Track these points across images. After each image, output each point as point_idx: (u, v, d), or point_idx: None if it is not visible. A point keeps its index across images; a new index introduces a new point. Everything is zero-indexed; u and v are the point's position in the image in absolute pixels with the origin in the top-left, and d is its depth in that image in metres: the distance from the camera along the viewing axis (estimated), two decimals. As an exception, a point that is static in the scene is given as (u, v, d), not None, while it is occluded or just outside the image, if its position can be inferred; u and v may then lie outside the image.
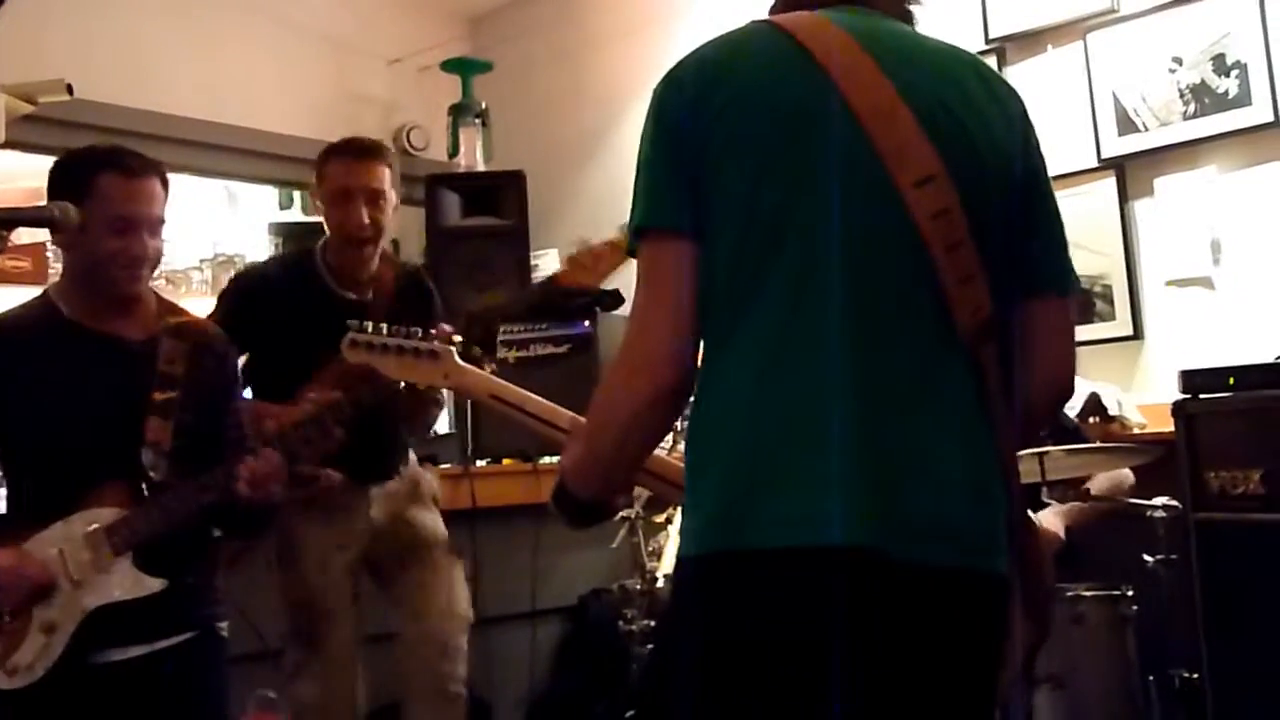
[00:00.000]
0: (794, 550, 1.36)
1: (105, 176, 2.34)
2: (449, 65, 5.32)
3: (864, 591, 1.36)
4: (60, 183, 2.37)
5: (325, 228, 3.08)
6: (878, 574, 1.37)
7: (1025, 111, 1.61)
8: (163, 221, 2.43)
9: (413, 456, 3.32)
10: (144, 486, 2.34)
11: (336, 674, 3.01)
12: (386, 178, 3.05)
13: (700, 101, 1.48)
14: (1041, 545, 1.55)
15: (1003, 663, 1.51)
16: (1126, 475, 3.34)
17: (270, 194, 5.80)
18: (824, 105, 1.44)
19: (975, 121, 1.51)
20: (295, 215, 5.86)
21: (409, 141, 5.51)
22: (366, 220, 2.98)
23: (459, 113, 5.28)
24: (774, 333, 1.42)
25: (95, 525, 2.30)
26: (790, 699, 1.37)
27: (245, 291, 3.12)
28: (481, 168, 5.21)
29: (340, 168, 3.03)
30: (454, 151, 5.27)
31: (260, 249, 5.34)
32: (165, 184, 2.44)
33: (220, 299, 3.18)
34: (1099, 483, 3.36)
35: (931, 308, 1.45)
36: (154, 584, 2.31)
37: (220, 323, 2.79)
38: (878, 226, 1.44)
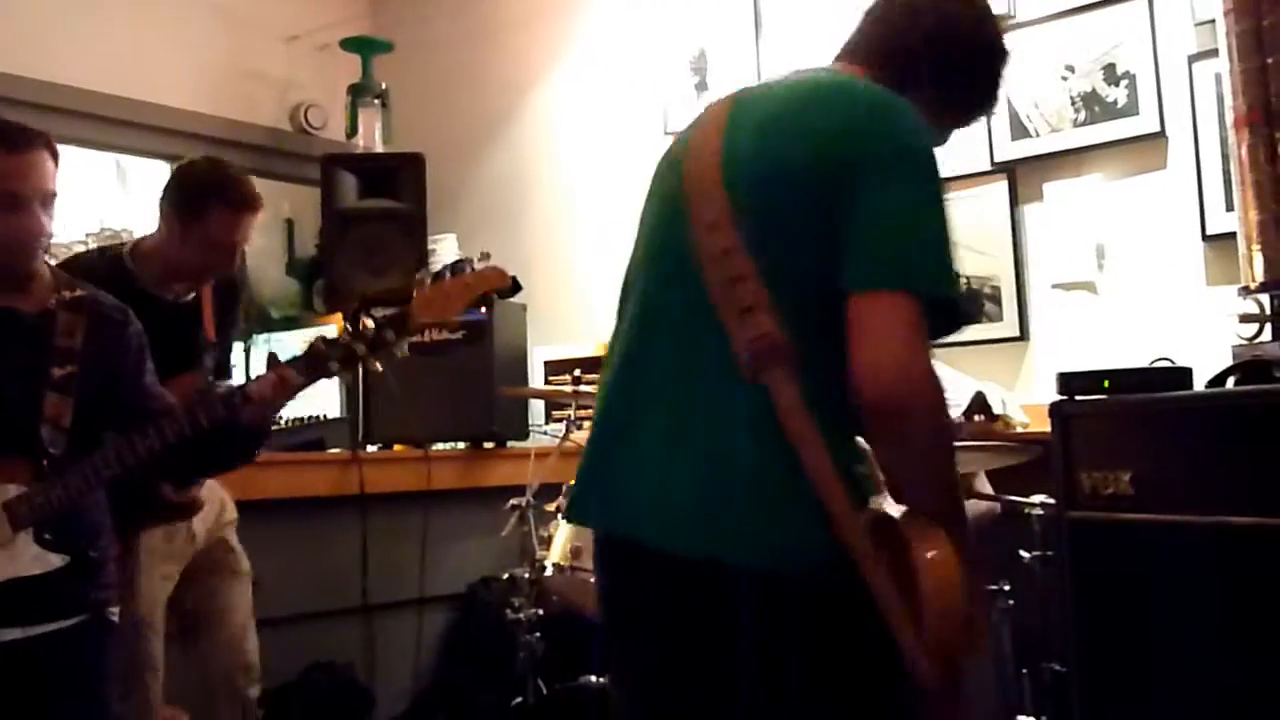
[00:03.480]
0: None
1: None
2: (348, 44, 5.24)
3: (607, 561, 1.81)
4: None
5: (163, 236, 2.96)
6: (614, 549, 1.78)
7: (863, 114, 1.67)
8: (54, 195, 2.36)
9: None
10: (44, 462, 2.28)
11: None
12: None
13: None
14: (929, 560, 1.50)
15: (764, 654, 1.62)
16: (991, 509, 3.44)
17: (162, 169, 5.65)
18: (675, 180, 1.76)
19: (777, 161, 1.65)
20: (187, 191, 5.72)
21: (306, 120, 5.43)
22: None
23: (358, 93, 5.21)
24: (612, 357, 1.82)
25: None
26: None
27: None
28: (380, 149, 5.15)
29: (229, 219, 2.90)
30: (352, 132, 5.21)
31: (150, 225, 5.19)
32: (54, 156, 2.36)
33: None
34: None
35: (707, 338, 1.63)
36: (55, 560, 2.26)
37: None
38: (669, 266, 1.73)
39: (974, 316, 1.63)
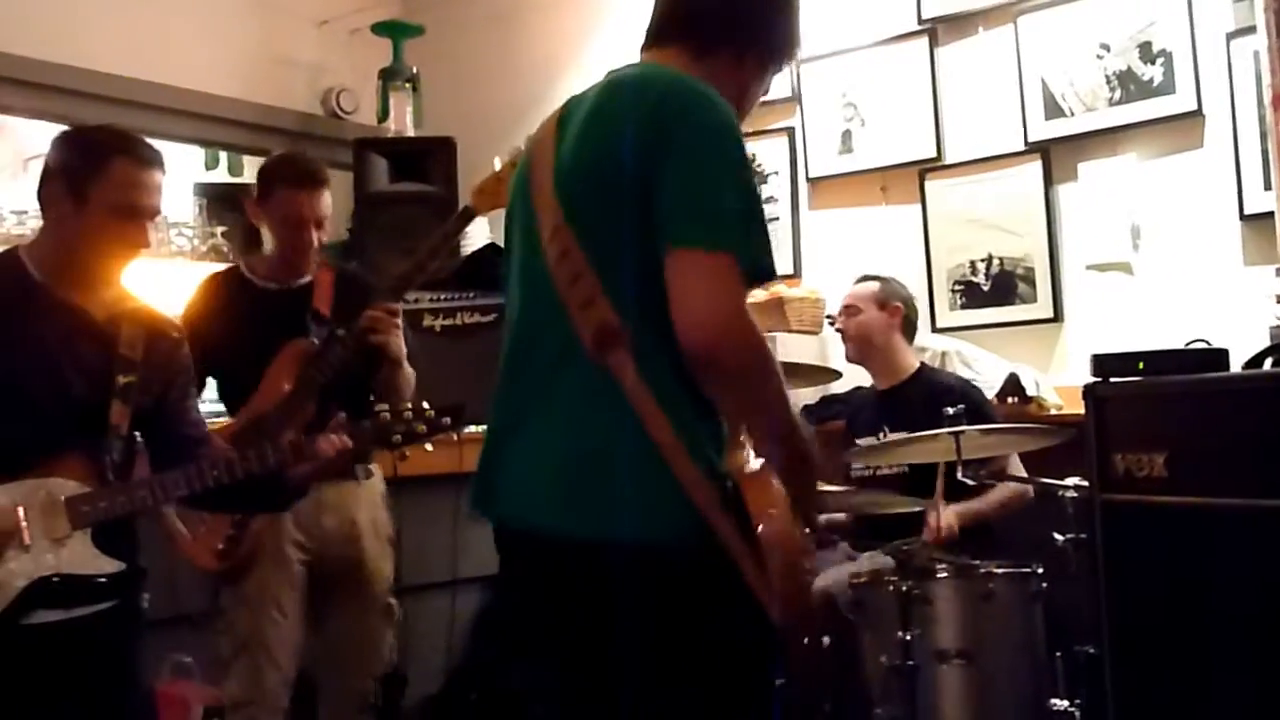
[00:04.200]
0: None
1: (122, 161, 2.35)
2: (380, 28, 5.24)
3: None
4: (71, 157, 2.38)
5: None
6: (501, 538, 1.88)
7: (670, 114, 1.73)
8: (159, 214, 2.46)
9: (376, 469, 3.27)
10: (107, 466, 2.34)
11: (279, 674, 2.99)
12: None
13: None
14: (765, 520, 1.65)
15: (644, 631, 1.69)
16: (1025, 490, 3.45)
17: (196, 154, 5.69)
18: (522, 191, 1.90)
19: (592, 152, 1.78)
20: (221, 176, 5.76)
21: (338, 105, 5.43)
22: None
23: (389, 77, 5.20)
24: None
25: (57, 494, 2.29)
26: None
27: None
28: (411, 133, 5.14)
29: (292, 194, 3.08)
30: (383, 116, 5.20)
31: (184, 210, 5.24)
32: (164, 173, 2.46)
33: None
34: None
35: (561, 333, 1.75)
36: (111, 565, 2.32)
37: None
38: (530, 276, 1.85)
39: (768, 267, 1.74)
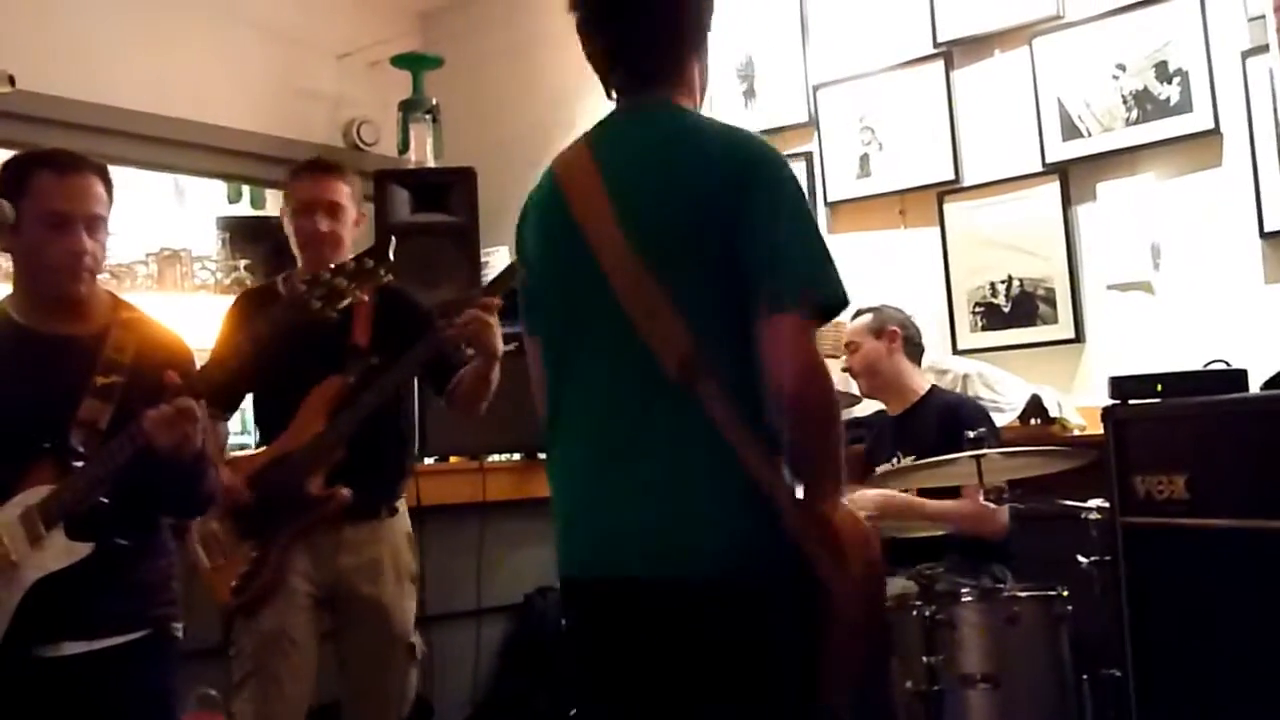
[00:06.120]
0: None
1: (41, 174, 2.33)
2: (399, 60, 5.29)
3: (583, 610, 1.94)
4: (2, 188, 2.34)
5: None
6: (587, 596, 1.91)
7: (744, 164, 1.86)
8: (102, 220, 2.41)
9: (402, 506, 3.20)
10: (72, 464, 2.30)
11: (285, 703, 2.96)
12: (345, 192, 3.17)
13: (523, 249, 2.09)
14: (841, 539, 1.75)
15: (744, 667, 1.77)
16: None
17: (219, 188, 5.75)
18: (572, 254, 1.90)
19: (671, 195, 1.85)
20: (244, 209, 5.82)
21: (359, 137, 5.48)
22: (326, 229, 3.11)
23: (409, 108, 5.25)
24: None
25: (30, 502, 2.28)
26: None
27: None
28: (432, 164, 5.19)
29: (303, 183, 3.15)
30: (404, 148, 5.25)
31: (208, 243, 5.29)
32: (107, 184, 2.43)
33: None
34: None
35: (637, 369, 1.83)
36: (83, 549, 2.28)
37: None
38: (597, 314, 1.88)
39: (845, 300, 1.88)
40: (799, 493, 1.81)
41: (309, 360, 2.91)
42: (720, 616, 1.77)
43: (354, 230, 3.21)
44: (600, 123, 2.02)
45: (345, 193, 3.16)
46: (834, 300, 1.84)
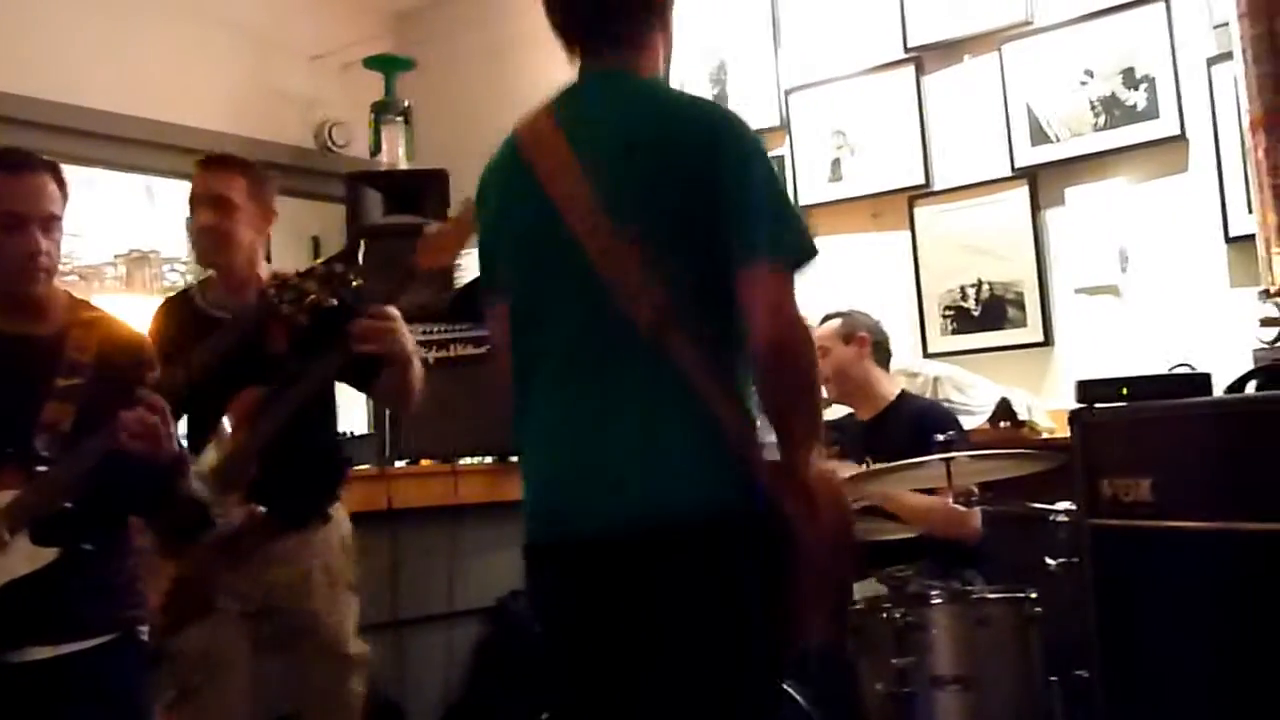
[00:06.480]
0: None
1: None
2: (372, 62, 5.29)
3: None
4: None
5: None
6: (565, 552, 1.93)
7: (710, 124, 1.90)
8: (56, 219, 2.38)
9: (337, 512, 3.07)
10: (36, 468, 2.28)
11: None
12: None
13: (481, 217, 2.14)
14: (813, 491, 1.79)
15: (723, 600, 1.81)
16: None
17: (189, 189, 5.71)
18: (539, 216, 1.92)
19: (638, 153, 1.88)
20: (215, 211, 5.77)
21: (331, 139, 5.48)
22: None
23: (382, 110, 5.25)
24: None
25: None
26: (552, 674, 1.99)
27: None
28: (404, 166, 5.18)
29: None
30: (376, 149, 5.24)
31: (178, 245, 5.27)
32: (60, 183, 2.40)
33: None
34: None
35: (610, 329, 1.85)
36: (47, 554, 2.26)
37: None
38: (566, 275, 1.89)
39: (815, 251, 1.91)
40: (774, 445, 1.83)
41: (230, 370, 2.68)
42: (691, 565, 1.79)
43: (258, 227, 3.04)
44: (562, 89, 2.05)
45: (237, 187, 2.99)
46: (803, 251, 1.87)
